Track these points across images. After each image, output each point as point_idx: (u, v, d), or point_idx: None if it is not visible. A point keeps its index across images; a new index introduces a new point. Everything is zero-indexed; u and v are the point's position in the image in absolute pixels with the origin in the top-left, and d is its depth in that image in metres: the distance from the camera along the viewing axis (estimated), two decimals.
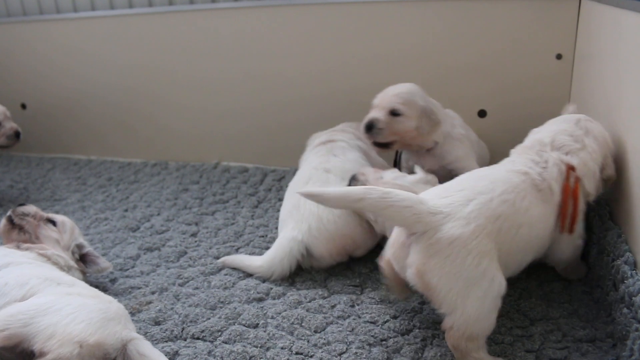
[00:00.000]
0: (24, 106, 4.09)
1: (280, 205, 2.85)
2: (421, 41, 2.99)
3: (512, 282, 2.05)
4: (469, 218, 1.61)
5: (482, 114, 3.00)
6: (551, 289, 2.01)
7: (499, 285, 1.60)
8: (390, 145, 2.48)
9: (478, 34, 2.89)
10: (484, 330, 1.60)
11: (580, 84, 2.68)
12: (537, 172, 1.81)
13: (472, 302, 1.56)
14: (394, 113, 2.42)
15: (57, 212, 2.99)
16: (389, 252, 1.78)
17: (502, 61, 2.90)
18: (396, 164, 2.71)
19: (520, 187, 1.74)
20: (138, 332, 1.67)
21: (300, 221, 2.25)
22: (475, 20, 2.87)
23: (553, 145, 1.91)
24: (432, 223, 1.59)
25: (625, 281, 1.66)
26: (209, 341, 1.83)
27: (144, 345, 1.59)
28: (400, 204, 1.58)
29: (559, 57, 2.81)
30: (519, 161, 1.88)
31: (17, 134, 3.21)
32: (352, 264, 2.26)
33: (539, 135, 2.00)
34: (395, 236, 1.73)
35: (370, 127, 2.43)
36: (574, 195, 1.82)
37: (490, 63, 2.91)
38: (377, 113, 2.44)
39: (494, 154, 2.82)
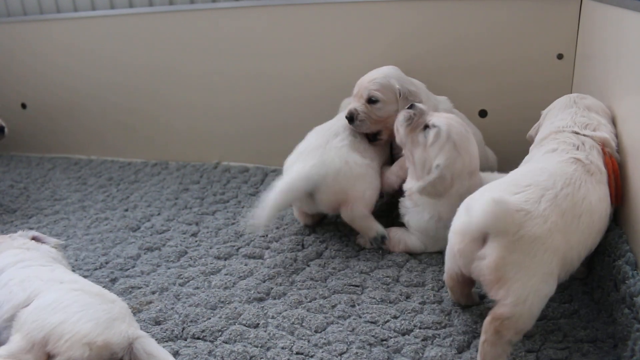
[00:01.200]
0: (24, 106, 4.09)
1: None
2: (422, 41, 2.98)
3: None
4: (545, 216, 1.63)
5: (482, 114, 2.99)
6: None
7: (555, 283, 1.65)
8: (378, 136, 2.46)
9: (479, 33, 2.88)
10: (530, 325, 1.63)
11: (582, 84, 2.68)
12: (584, 156, 1.85)
13: (539, 297, 1.60)
14: (371, 100, 2.40)
15: (57, 212, 3.01)
16: (457, 247, 1.73)
17: (503, 61, 2.89)
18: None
19: (575, 176, 1.77)
20: None
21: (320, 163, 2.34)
22: (476, 19, 2.87)
23: (579, 126, 1.97)
24: (516, 220, 1.60)
25: (627, 281, 1.66)
26: (210, 341, 1.83)
27: (150, 344, 1.60)
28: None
29: (560, 57, 2.81)
30: (562, 148, 1.90)
31: (1, 129, 3.13)
32: (352, 263, 2.25)
33: (558, 122, 2.05)
34: (466, 231, 1.70)
35: (351, 119, 2.42)
36: (614, 168, 1.89)
37: (490, 63, 2.90)
38: (355, 103, 2.42)
39: (495, 154, 2.82)
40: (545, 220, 1.62)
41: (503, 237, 1.59)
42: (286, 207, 2.48)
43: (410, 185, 2.26)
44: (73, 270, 2.06)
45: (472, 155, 2.16)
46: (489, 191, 1.72)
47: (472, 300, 1.94)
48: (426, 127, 2.17)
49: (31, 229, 2.77)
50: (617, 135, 2.01)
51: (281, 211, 2.54)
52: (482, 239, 1.64)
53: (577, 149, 1.88)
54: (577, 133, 1.95)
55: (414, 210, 2.28)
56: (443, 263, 2.19)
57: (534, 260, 1.59)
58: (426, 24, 2.96)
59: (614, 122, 2.06)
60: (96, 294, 1.68)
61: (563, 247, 1.64)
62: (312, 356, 1.73)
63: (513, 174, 1.86)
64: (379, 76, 2.43)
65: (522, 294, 1.57)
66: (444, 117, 2.19)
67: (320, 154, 2.37)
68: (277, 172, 3.28)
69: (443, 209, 2.15)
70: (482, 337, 1.61)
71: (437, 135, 2.12)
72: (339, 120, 2.54)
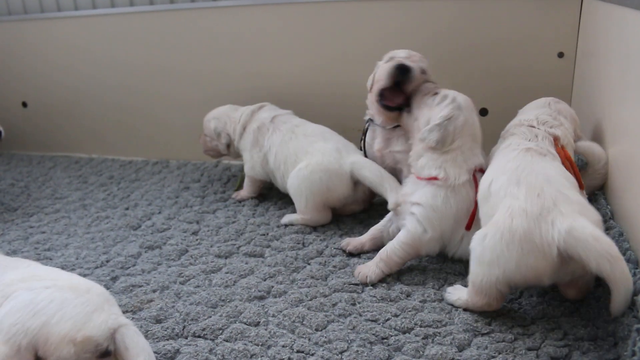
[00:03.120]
0: (24, 104, 4.09)
1: (282, 204, 2.87)
2: (421, 39, 2.98)
3: None
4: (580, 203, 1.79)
5: (483, 112, 2.99)
6: (552, 287, 2.00)
7: None
8: (396, 110, 2.40)
9: (479, 32, 2.88)
10: None
11: (582, 82, 2.68)
12: (534, 144, 2.04)
13: None
14: (423, 72, 2.39)
15: (58, 211, 3.01)
16: (545, 278, 1.75)
17: (504, 59, 2.90)
18: (363, 145, 2.69)
19: (532, 160, 1.95)
20: (139, 331, 1.67)
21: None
22: (477, 18, 2.87)
23: (538, 122, 2.17)
24: None
25: None
26: (210, 339, 1.83)
27: (129, 335, 1.60)
28: None
29: (560, 55, 2.81)
30: (516, 142, 2.09)
31: None
32: (352, 262, 2.26)
33: (522, 116, 2.27)
34: (551, 265, 1.72)
35: (405, 70, 2.33)
36: (567, 158, 2.04)
37: (491, 61, 2.91)
38: (406, 61, 2.36)
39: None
40: (579, 202, 1.78)
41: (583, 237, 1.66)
42: None
43: (414, 149, 2.28)
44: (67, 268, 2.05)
45: (475, 122, 2.23)
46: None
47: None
48: (435, 94, 2.28)
49: (32, 227, 2.79)
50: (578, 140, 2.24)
51: None
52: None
53: (529, 140, 2.08)
54: (532, 127, 2.15)
55: (419, 183, 2.21)
56: (444, 261, 2.21)
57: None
58: (427, 21, 2.96)
59: (577, 130, 2.27)
60: (69, 288, 1.64)
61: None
62: (312, 354, 1.73)
63: (504, 190, 1.89)
64: (416, 53, 2.47)
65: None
66: (453, 90, 2.28)
67: None
68: None
69: (449, 167, 2.14)
70: (573, 298, 1.89)
71: (444, 97, 2.23)
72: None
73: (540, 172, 1.87)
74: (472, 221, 2.11)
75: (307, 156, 2.63)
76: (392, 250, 2.15)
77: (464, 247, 2.12)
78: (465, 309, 1.91)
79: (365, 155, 2.64)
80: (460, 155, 2.16)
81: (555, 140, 2.11)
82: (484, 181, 2.01)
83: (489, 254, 1.77)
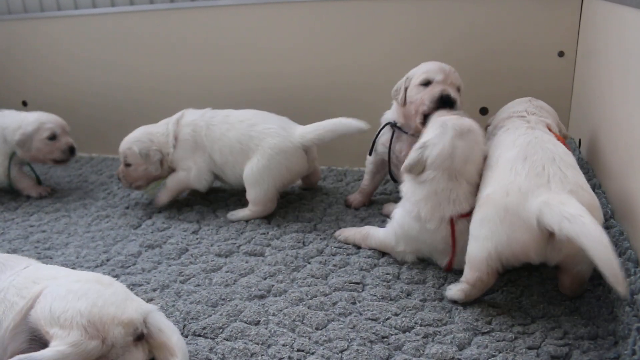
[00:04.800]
0: (24, 103, 4.09)
1: (282, 202, 2.86)
2: (423, 39, 2.98)
3: (513, 279, 2.07)
4: (579, 184, 1.82)
5: (483, 111, 2.99)
6: (552, 286, 2.01)
7: None
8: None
9: (479, 31, 2.88)
10: None
11: (582, 82, 2.68)
12: (533, 124, 2.14)
13: None
14: (459, 90, 2.43)
15: (58, 210, 3.01)
16: (532, 252, 1.79)
17: (504, 58, 2.90)
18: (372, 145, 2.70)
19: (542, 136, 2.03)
20: None
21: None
22: (477, 17, 2.87)
23: (527, 113, 2.24)
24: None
25: (628, 278, 1.66)
26: (211, 338, 1.83)
27: (159, 318, 1.71)
28: None
29: (561, 54, 2.81)
30: (515, 126, 2.15)
31: (71, 150, 3.20)
32: (353, 261, 2.25)
33: (510, 110, 2.32)
34: (535, 239, 1.76)
35: (452, 103, 2.34)
36: (561, 141, 2.09)
37: (492, 60, 2.90)
38: (448, 89, 2.36)
39: None
40: (582, 186, 1.81)
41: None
42: None
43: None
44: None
45: (459, 153, 2.03)
46: (533, 194, 1.77)
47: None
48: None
49: (32, 226, 2.79)
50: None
51: None
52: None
53: (527, 122, 2.16)
54: (523, 117, 2.21)
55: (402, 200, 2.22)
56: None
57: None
58: (426, 22, 2.96)
59: (560, 124, 2.33)
60: (94, 281, 1.71)
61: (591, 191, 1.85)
62: (312, 353, 1.73)
63: (508, 164, 1.93)
64: (450, 68, 2.46)
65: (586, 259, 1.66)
66: (458, 116, 2.16)
67: None
68: None
69: (422, 206, 2.07)
70: (568, 291, 1.93)
71: (434, 122, 2.16)
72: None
73: (548, 149, 1.93)
74: (450, 267, 2.13)
75: (254, 141, 2.66)
76: (372, 236, 2.33)
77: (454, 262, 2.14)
78: (464, 301, 1.94)
79: (389, 159, 2.62)
80: (434, 195, 2.05)
81: (548, 126, 2.17)
82: (492, 154, 2.05)
83: (484, 229, 1.85)
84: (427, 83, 2.42)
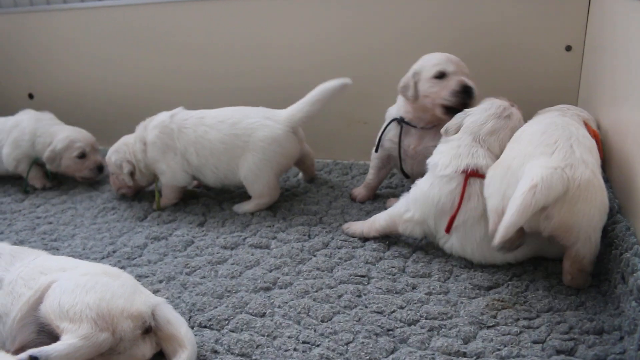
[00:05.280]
0: (31, 96, 4.10)
1: (287, 195, 2.87)
2: (428, 34, 2.97)
3: (518, 274, 2.07)
4: (584, 160, 1.86)
5: None
6: (558, 281, 2.01)
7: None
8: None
9: (486, 25, 2.87)
10: (597, 252, 1.91)
11: (590, 76, 2.67)
12: (569, 114, 2.20)
13: (599, 230, 1.88)
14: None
15: (64, 202, 3.02)
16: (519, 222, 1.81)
17: (511, 52, 2.88)
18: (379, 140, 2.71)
19: (570, 122, 2.09)
20: None
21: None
22: (484, 11, 2.86)
23: (567, 109, 2.29)
24: (570, 176, 1.81)
25: (635, 274, 1.65)
26: (216, 330, 1.84)
27: (167, 310, 1.73)
28: None
29: (568, 48, 2.80)
30: (548, 114, 2.23)
31: (99, 168, 3.23)
32: (358, 254, 2.26)
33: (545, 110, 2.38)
34: (524, 206, 1.78)
35: (471, 93, 2.41)
36: (595, 134, 2.15)
37: (498, 54, 2.89)
38: (465, 79, 2.43)
39: None
40: (586, 164, 1.84)
41: (565, 195, 1.79)
42: None
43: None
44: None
45: (492, 128, 2.20)
46: (534, 158, 1.87)
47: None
48: None
49: (39, 217, 2.80)
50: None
51: None
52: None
53: (561, 111, 2.24)
54: (562, 111, 2.26)
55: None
56: (449, 254, 2.21)
57: (590, 202, 1.80)
58: (432, 16, 2.95)
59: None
60: (102, 273, 1.72)
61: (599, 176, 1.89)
62: (318, 345, 1.73)
63: (528, 136, 2.03)
64: (456, 58, 2.50)
65: (587, 235, 1.84)
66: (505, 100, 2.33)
67: None
68: None
69: (443, 157, 2.18)
70: (568, 277, 1.94)
71: (487, 100, 2.32)
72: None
73: (568, 130, 1.98)
74: (450, 225, 2.12)
75: (241, 138, 2.64)
76: (378, 218, 2.33)
77: (452, 242, 2.16)
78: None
79: (400, 154, 2.62)
80: (457, 148, 2.18)
81: (585, 121, 2.21)
82: (523, 129, 2.14)
83: (490, 187, 1.99)
84: (440, 75, 2.44)
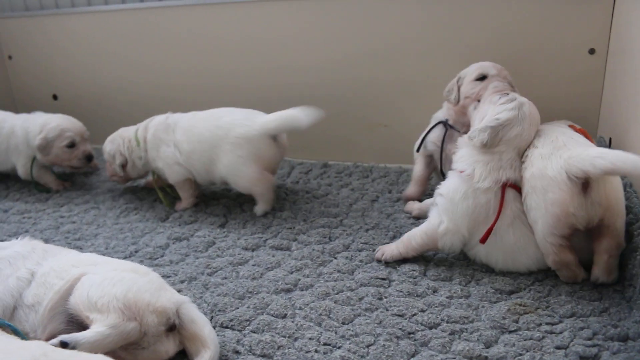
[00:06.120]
0: (55, 97, 4.16)
1: (308, 197, 2.88)
2: (452, 37, 2.96)
3: (540, 278, 2.05)
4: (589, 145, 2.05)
5: None
6: (581, 286, 1.99)
7: None
8: None
9: (510, 27, 2.86)
10: None
11: (614, 80, 2.64)
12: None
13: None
14: (512, 86, 2.50)
15: (87, 202, 3.06)
16: (570, 208, 1.89)
17: (534, 54, 2.86)
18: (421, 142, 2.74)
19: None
20: None
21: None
22: (508, 13, 2.84)
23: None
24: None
25: None
26: (238, 330, 1.85)
27: (192, 309, 1.75)
28: None
29: (591, 51, 2.77)
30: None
31: (88, 157, 3.28)
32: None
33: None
34: (569, 193, 1.88)
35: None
36: (581, 131, 2.26)
37: (522, 57, 2.87)
38: (503, 82, 2.47)
39: None
40: (588, 144, 2.03)
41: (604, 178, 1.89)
42: None
43: (459, 140, 2.32)
44: None
45: (529, 137, 2.17)
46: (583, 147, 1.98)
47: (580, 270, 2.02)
48: (506, 94, 2.28)
49: (62, 217, 2.84)
50: None
51: None
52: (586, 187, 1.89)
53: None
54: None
55: (450, 175, 2.24)
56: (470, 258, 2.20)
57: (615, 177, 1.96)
58: (457, 20, 2.94)
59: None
60: (131, 270, 1.76)
61: None
62: (339, 347, 1.74)
63: (550, 136, 2.13)
64: (501, 67, 2.56)
65: (622, 207, 1.95)
66: (525, 98, 2.27)
67: None
68: (304, 165, 3.32)
69: (479, 167, 2.13)
70: (605, 256, 1.93)
71: (510, 100, 2.21)
72: None
73: (559, 129, 2.16)
74: (487, 236, 2.09)
75: (221, 131, 2.70)
76: (413, 235, 2.22)
77: (477, 250, 2.14)
78: (570, 282, 2.03)
79: (441, 156, 2.65)
80: (497, 161, 2.12)
81: (571, 125, 2.31)
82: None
83: (531, 213, 2.01)
84: (482, 78, 2.51)
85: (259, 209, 2.75)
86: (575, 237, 1.95)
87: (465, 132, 2.47)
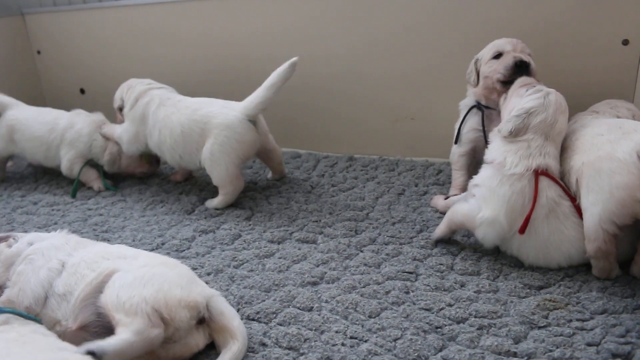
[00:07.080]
0: (82, 91, 4.21)
1: (333, 191, 2.87)
2: (483, 28, 2.92)
3: (570, 274, 2.02)
4: None
5: None
6: (612, 283, 1.95)
7: None
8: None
9: (542, 18, 2.80)
10: None
11: None
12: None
13: None
14: (530, 56, 2.48)
15: (114, 195, 3.09)
16: (638, 193, 1.83)
17: (567, 45, 2.81)
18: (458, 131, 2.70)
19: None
20: None
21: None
22: (539, 4, 2.79)
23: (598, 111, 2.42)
24: None
25: None
26: (264, 322, 1.85)
27: (221, 302, 1.76)
28: None
29: (625, 42, 2.71)
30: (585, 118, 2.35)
31: (157, 161, 3.34)
32: (405, 250, 2.24)
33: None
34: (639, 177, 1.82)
35: (526, 67, 2.43)
36: None
37: (554, 48, 2.82)
38: (520, 55, 2.45)
39: None
40: None
41: None
42: None
43: (490, 134, 2.33)
44: None
45: (557, 123, 2.16)
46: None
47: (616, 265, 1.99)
48: (533, 87, 2.27)
49: (90, 209, 2.88)
50: None
51: None
52: None
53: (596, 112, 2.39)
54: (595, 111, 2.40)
55: (484, 167, 2.23)
56: (498, 252, 2.17)
57: None
58: (489, 10, 2.90)
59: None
60: (161, 264, 1.77)
61: None
62: (366, 341, 1.73)
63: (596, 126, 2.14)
64: (518, 41, 2.55)
65: None
66: (552, 89, 2.25)
67: None
68: (329, 159, 3.31)
69: (510, 155, 2.12)
70: None
71: (537, 91, 2.20)
72: None
73: (618, 119, 2.15)
74: (526, 224, 2.04)
75: (199, 125, 2.74)
76: (458, 210, 2.22)
77: (515, 244, 2.10)
78: (604, 277, 1.99)
79: (486, 139, 2.54)
80: (526, 149, 2.11)
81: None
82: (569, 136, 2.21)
83: (590, 196, 1.93)
84: (498, 55, 2.52)
85: (213, 202, 2.79)
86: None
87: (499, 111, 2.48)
